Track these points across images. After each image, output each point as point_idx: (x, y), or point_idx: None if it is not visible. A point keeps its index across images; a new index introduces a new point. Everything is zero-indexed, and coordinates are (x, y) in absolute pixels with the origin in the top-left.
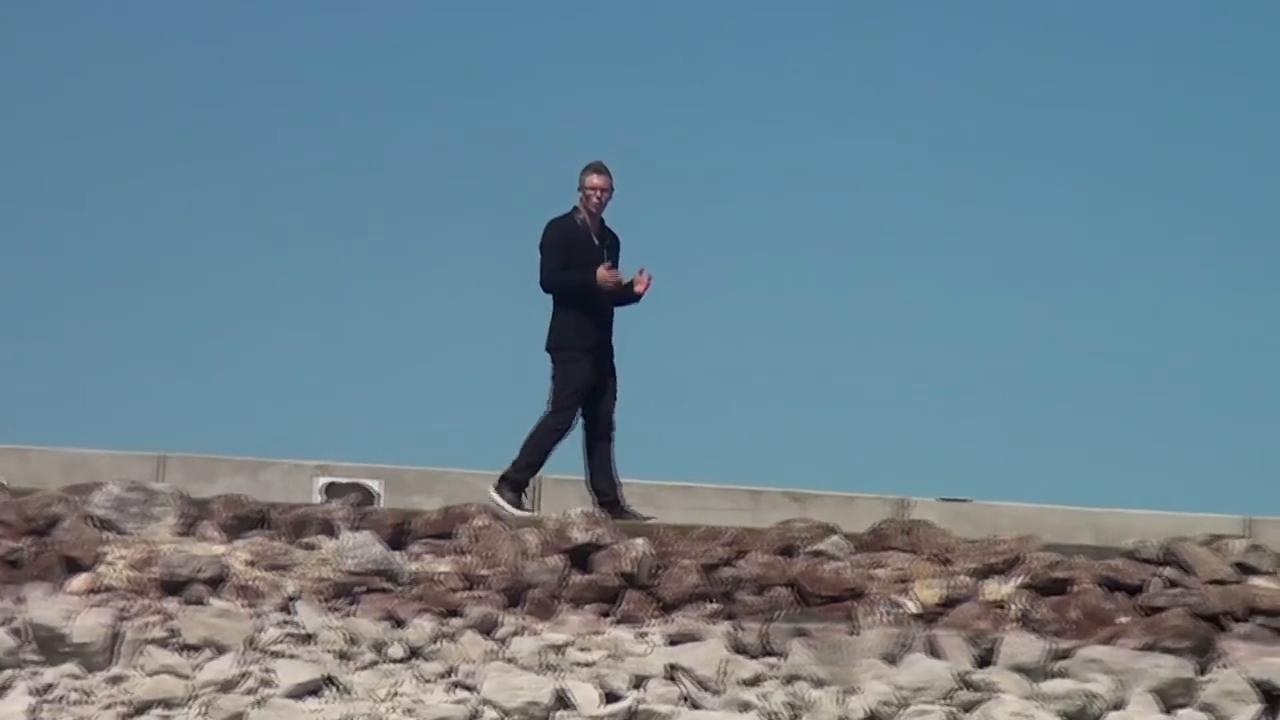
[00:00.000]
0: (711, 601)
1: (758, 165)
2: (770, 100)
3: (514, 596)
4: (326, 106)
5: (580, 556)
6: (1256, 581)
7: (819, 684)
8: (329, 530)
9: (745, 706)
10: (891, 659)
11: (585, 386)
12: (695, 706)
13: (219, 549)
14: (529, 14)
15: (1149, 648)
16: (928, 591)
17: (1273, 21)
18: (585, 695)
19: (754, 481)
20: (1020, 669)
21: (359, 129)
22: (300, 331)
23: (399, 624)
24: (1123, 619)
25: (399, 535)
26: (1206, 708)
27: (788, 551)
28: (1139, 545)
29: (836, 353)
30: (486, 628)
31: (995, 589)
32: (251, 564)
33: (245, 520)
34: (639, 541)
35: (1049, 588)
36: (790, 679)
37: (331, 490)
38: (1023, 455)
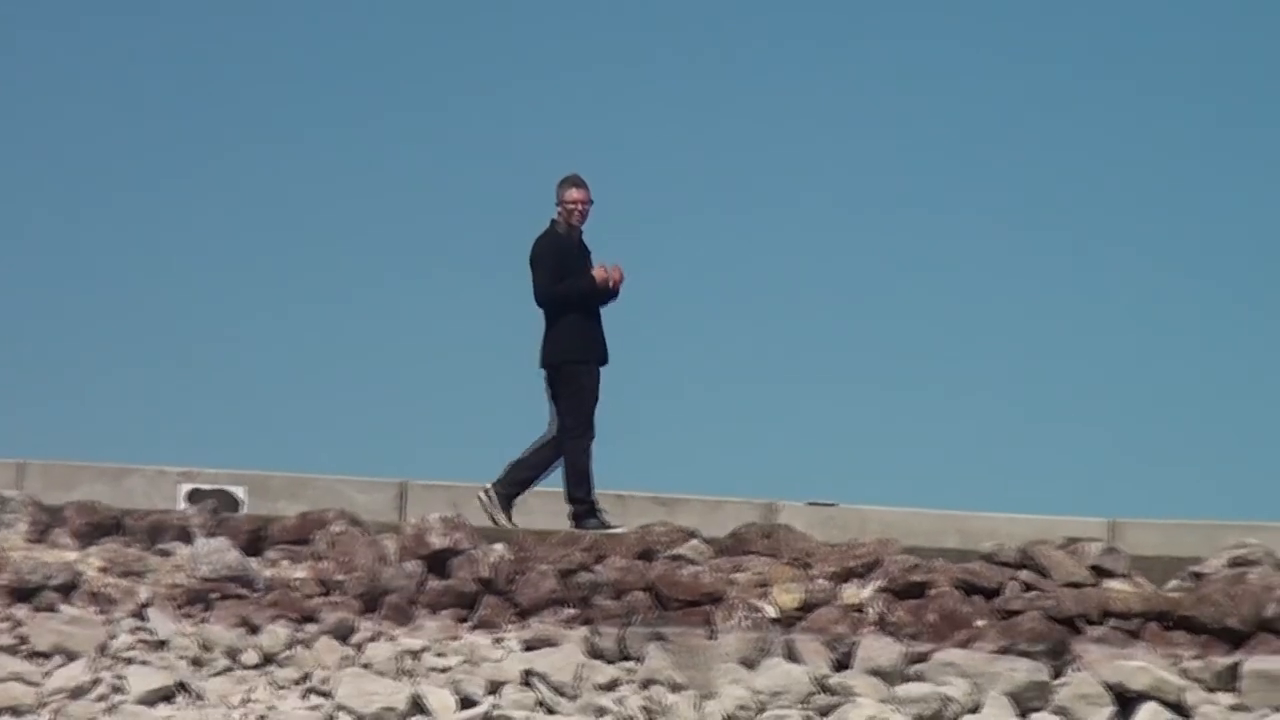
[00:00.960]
0: (569, 606)
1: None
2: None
3: (370, 602)
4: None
5: (438, 562)
6: (1112, 584)
7: (676, 688)
8: (185, 537)
9: (601, 712)
10: (749, 663)
11: (596, 396)
12: (551, 712)
13: (71, 555)
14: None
15: (1005, 651)
16: (786, 595)
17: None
18: (440, 701)
19: (620, 487)
20: (877, 672)
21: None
22: (156, 335)
23: (253, 630)
24: (979, 622)
25: (256, 541)
26: (1060, 711)
27: (647, 556)
28: (997, 548)
29: (698, 355)
30: (342, 633)
31: (854, 593)
32: (104, 570)
33: (99, 527)
34: (497, 547)
35: (907, 591)
36: (647, 683)
37: (194, 497)
38: (891, 459)
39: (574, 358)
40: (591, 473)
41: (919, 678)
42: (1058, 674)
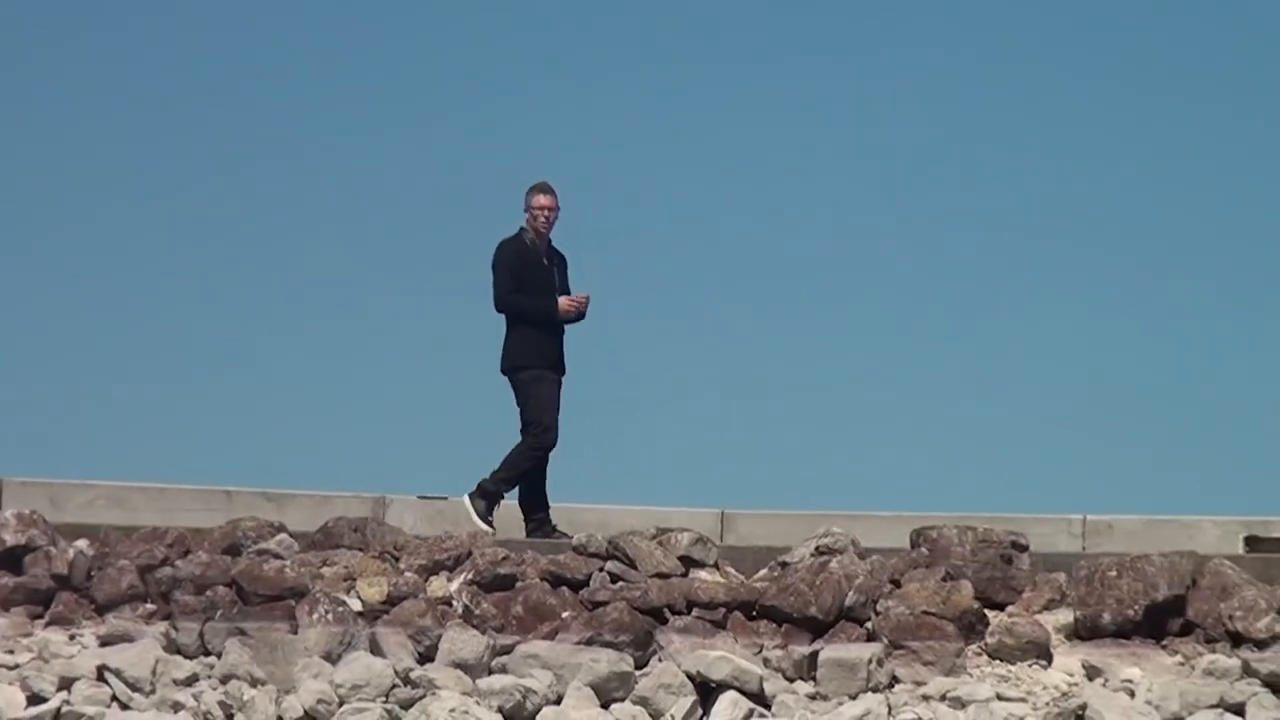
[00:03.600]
0: (148, 602)
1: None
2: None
3: None
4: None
5: (13, 559)
6: (700, 574)
7: (255, 683)
8: None
9: (177, 706)
10: (331, 657)
11: (555, 402)
12: (125, 707)
13: None
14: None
15: (589, 642)
16: (371, 589)
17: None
18: (9, 698)
19: (227, 482)
20: (460, 665)
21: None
22: None
23: None
24: (566, 614)
25: None
26: (642, 701)
27: (233, 551)
28: (587, 540)
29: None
30: None
31: (441, 585)
32: None
33: None
34: (79, 543)
35: (495, 583)
36: (226, 679)
37: None
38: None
39: (529, 363)
40: (522, 476)
41: (503, 670)
42: (641, 664)
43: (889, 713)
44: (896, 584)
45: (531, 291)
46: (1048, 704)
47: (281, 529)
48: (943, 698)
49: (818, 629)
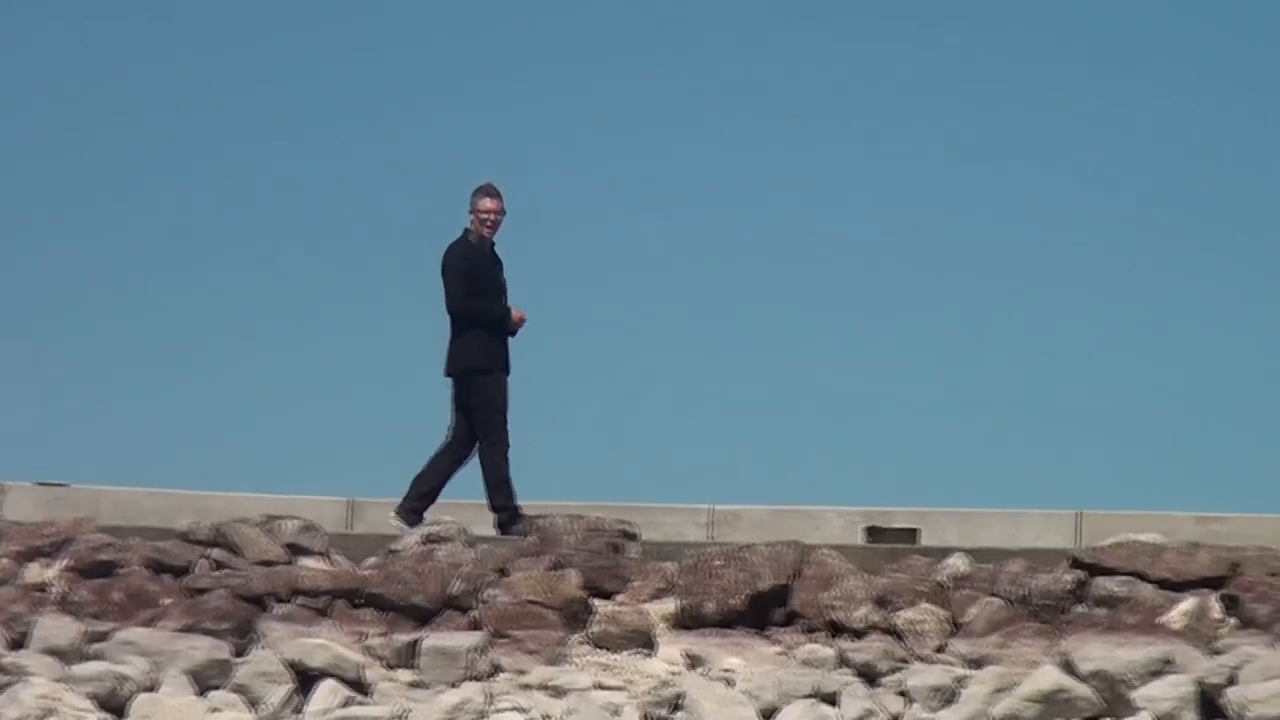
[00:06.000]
0: None
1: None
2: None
3: None
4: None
5: None
6: (306, 562)
7: None
8: None
9: None
10: None
11: (505, 403)
12: None
13: None
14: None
15: (189, 629)
16: None
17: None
18: None
19: None
20: (53, 652)
21: None
22: None
23: None
24: (167, 600)
25: None
26: (240, 688)
27: None
28: (192, 526)
29: None
30: None
31: (38, 572)
32: None
33: None
34: None
35: (94, 570)
36: None
37: None
38: (128, 440)
39: (478, 366)
40: (510, 480)
41: (98, 656)
42: (241, 652)
43: (488, 701)
44: (505, 573)
45: (481, 294)
46: (646, 693)
47: None
48: (543, 686)
49: (423, 617)
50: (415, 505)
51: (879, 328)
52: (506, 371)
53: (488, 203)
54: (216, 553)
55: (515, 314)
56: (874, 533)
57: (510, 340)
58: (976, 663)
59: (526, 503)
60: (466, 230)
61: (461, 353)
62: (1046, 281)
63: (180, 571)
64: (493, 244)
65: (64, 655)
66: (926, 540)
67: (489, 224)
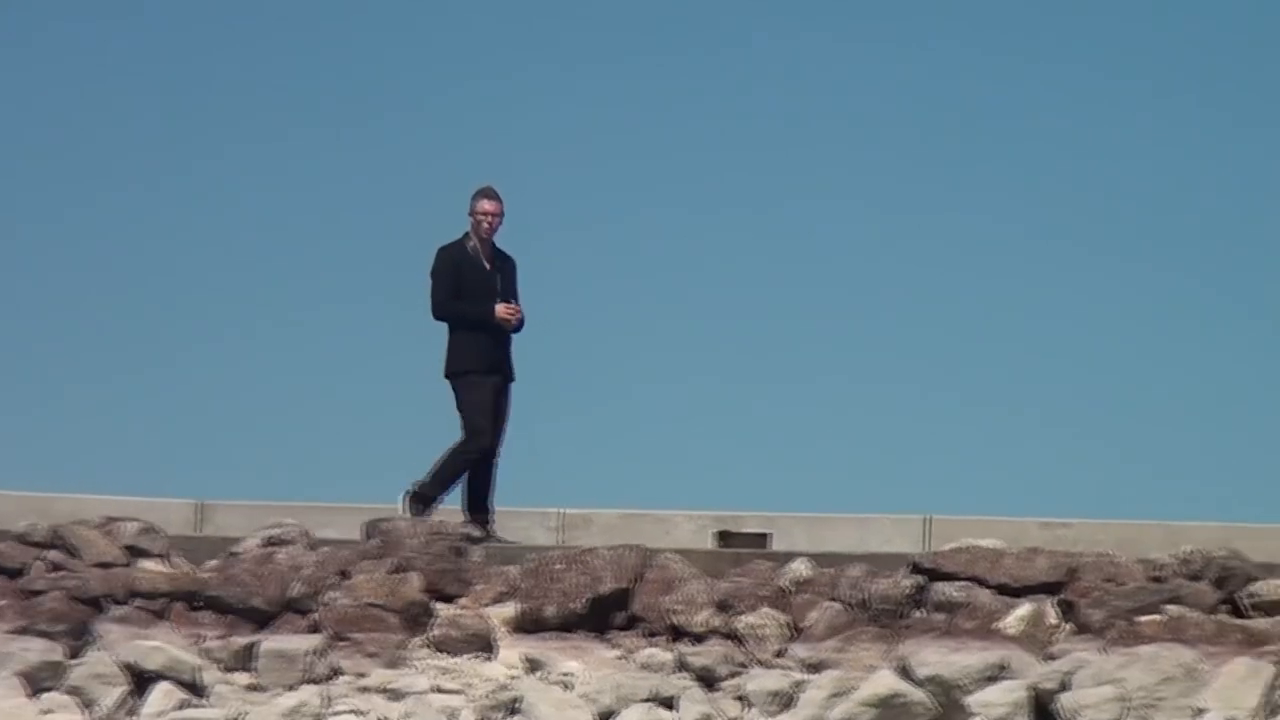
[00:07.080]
0: None
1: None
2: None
3: None
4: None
5: None
6: (145, 564)
7: None
8: None
9: None
10: None
11: (493, 406)
12: None
13: None
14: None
15: (22, 631)
16: None
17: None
18: None
19: None
20: None
21: None
22: None
23: None
24: (1, 603)
25: None
26: (74, 690)
27: None
28: (29, 528)
29: None
30: None
31: None
32: None
33: None
34: None
35: None
36: None
37: None
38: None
39: (468, 368)
40: (456, 480)
41: None
42: (76, 654)
43: (326, 704)
44: (346, 575)
45: (470, 297)
46: (483, 696)
47: None
48: (381, 690)
49: (262, 620)
50: (478, 518)
51: (738, 331)
52: (503, 375)
53: (485, 204)
54: (54, 554)
55: (499, 311)
56: (725, 537)
57: (512, 342)
58: (815, 667)
59: (365, 505)
60: (466, 233)
61: (452, 354)
62: (892, 288)
63: (15, 573)
64: (494, 245)
65: None
66: (778, 545)
67: (485, 226)
